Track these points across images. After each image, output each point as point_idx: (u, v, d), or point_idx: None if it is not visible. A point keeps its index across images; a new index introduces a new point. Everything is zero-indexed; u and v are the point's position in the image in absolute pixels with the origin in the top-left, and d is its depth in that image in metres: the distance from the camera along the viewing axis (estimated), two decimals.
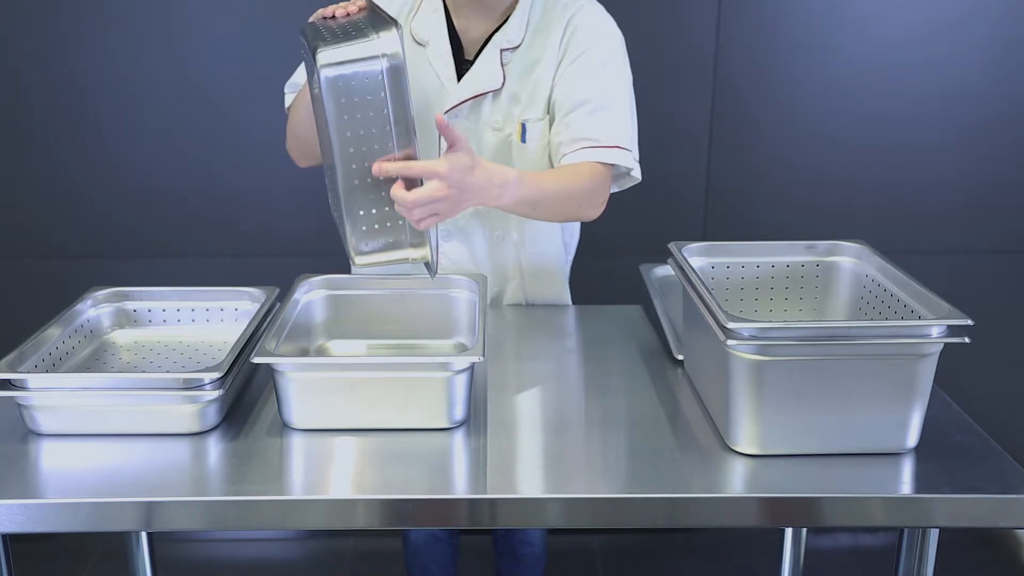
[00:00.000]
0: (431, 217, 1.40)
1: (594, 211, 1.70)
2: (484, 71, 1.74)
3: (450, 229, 1.83)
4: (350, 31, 1.38)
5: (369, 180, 1.38)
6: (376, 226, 1.42)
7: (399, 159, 1.38)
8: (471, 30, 1.77)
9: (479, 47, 1.76)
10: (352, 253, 1.44)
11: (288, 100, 1.82)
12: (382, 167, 1.37)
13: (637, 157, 1.73)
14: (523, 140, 1.75)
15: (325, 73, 1.33)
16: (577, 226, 1.96)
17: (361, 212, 1.41)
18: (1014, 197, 2.57)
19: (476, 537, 2.33)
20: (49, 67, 2.40)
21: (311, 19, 1.53)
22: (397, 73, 1.34)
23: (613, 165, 1.70)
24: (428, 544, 2.10)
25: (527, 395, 1.53)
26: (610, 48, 1.74)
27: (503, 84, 1.73)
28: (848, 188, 2.55)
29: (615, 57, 1.75)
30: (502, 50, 1.74)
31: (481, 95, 1.74)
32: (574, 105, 1.70)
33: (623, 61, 1.76)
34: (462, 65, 1.76)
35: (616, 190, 1.78)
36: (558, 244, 1.89)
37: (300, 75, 1.80)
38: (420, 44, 1.77)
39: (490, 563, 2.23)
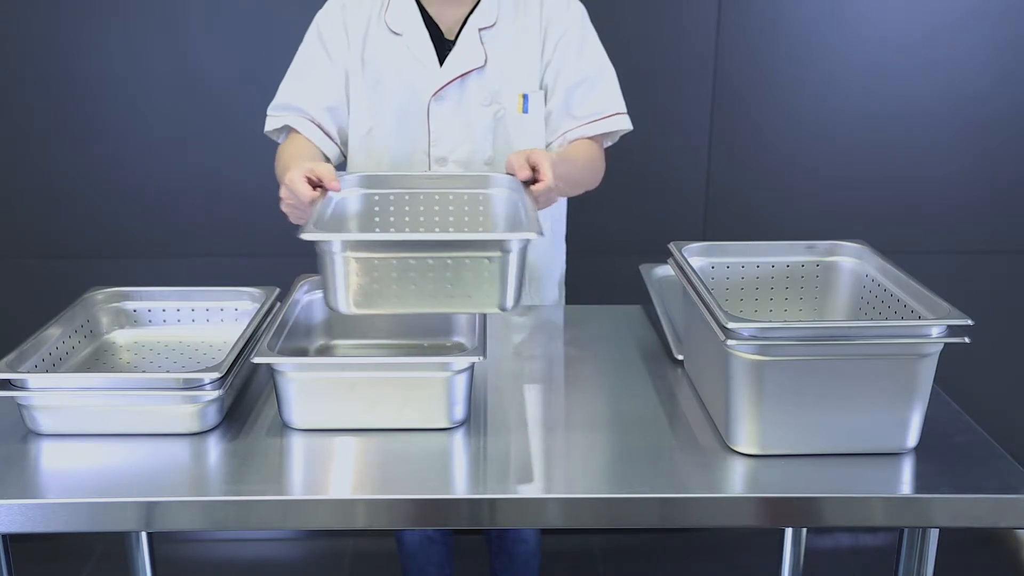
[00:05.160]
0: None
1: (600, 177, 1.88)
2: (466, 51, 1.79)
3: None
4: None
5: None
6: None
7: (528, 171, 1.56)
8: (445, 15, 1.82)
9: (458, 29, 1.81)
10: None
11: (270, 123, 1.84)
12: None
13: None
14: (525, 111, 1.83)
15: None
16: (563, 227, 1.97)
17: None
18: (1014, 197, 2.56)
19: (469, 537, 2.33)
20: (49, 67, 2.40)
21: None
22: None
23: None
24: (423, 546, 2.10)
25: (527, 395, 1.53)
26: (581, 18, 1.85)
27: (486, 61, 1.79)
28: (848, 188, 2.54)
29: (586, 23, 1.85)
30: (480, 29, 1.79)
31: (466, 74, 1.79)
32: (573, 86, 1.83)
33: (589, 23, 1.87)
34: (445, 48, 1.81)
35: (609, 144, 1.89)
36: (547, 248, 1.90)
37: (285, 96, 1.82)
38: (396, 34, 1.81)
39: (485, 562, 2.23)
